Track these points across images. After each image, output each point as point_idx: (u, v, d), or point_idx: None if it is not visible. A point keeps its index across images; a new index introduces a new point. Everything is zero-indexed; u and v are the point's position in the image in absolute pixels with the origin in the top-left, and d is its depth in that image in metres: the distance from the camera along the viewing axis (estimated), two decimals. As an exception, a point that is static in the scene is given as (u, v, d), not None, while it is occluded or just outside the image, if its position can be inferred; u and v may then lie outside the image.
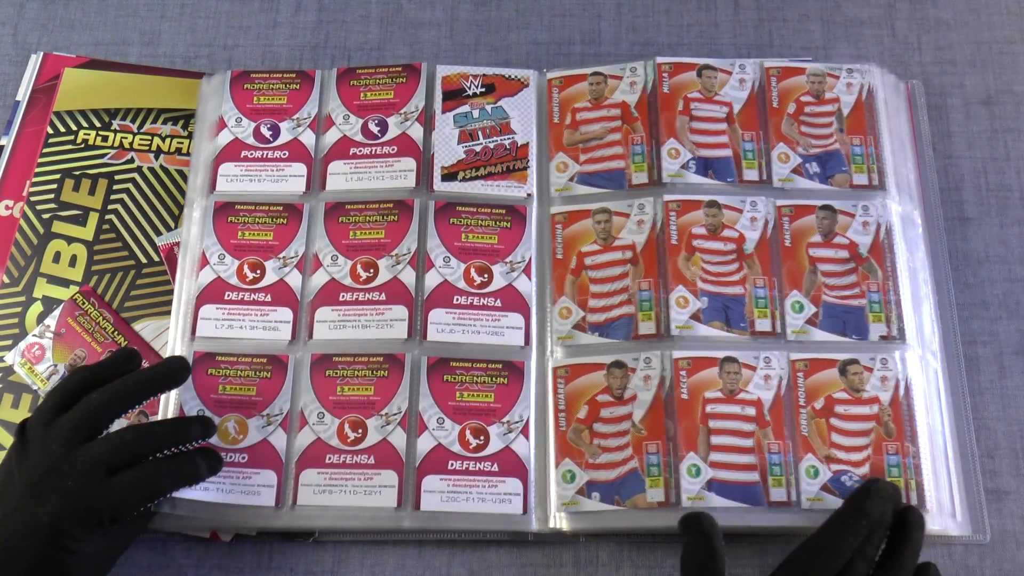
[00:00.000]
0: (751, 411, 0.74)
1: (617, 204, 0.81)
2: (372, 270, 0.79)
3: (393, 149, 0.83)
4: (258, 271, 0.79)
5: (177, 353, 0.78)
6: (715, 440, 0.73)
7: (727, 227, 0.79)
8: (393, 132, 0.84)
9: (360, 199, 0.82)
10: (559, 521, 0.73)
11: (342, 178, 0.82)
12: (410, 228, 0.80)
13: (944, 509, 0.73)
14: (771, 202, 0.80)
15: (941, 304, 0.80)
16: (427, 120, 0.84)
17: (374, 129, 0.84)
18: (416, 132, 0.84)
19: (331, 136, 0.84)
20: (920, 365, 0.76)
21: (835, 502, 0.71)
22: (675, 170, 0.81)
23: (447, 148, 0.83)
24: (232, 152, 0.83)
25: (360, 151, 0.83)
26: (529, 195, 0.82)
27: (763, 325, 0.77)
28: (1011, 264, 0.83)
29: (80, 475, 0.63)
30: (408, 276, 0.79)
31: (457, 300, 0.78)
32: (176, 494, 0.70)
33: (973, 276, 0.82)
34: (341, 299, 0.78)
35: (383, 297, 0.78)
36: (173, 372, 0.70)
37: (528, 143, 0.84)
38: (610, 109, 0.84)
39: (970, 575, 0.74)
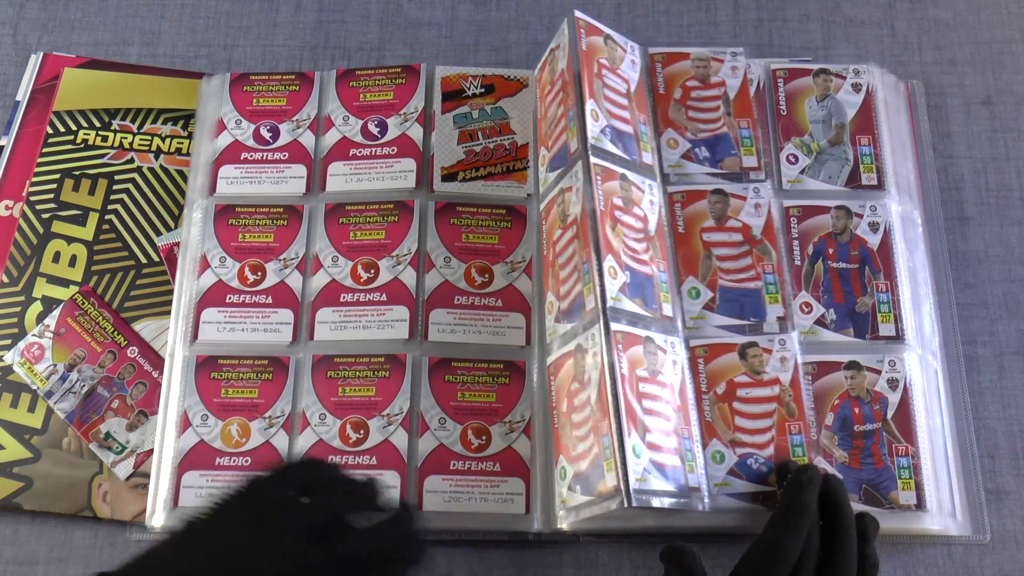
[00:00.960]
0: (668, 394, 0.72)
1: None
2: (373, 271, 0.79)
3: (393, 150, 0.83)
4: (259, 273, 0.79)
5: (178, 352, 0.78)
6: (647, 421, 0.69)
7: (636, 204, 0.77)
8: (393, 133, 0.84)
9: (360, 200, 0.82)
10: (561, 520, 0.73)
11: (342, 179, 0.82)
12: (410, 228, 0.80)
13: (944, 509, 0.73)
14: (661, 188, 0.80)
15: (941, 304, 0.80)
16: (427, 121, 0.84)
17: (374, 130, 0.84)
18: (416, 133, 0.84)
19: (331, 137, 0.84)
20: (920, 365, 0.76)
21: (744, 486, 0.71)
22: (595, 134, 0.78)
23: (447, 148, 0.83)
24: (232, 154, 0.83)
25: (360, 152, 0.83)
26: (529, 195, 0.82)
27: (667, 310, 0.75)
28: (1011, 264, 0.83)
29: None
30: (409, 276, 0.79)
31: (458, 300, 0.78)
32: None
33: (973, 276, 0.82)
34: (342, 300, 0.78)
35: (384, 298, 0.78)
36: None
37: (528, 143, 0.83)
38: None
39: (970, 575, 0.74)
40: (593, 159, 0.74)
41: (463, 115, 0.84)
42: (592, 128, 0.75)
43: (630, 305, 0.71)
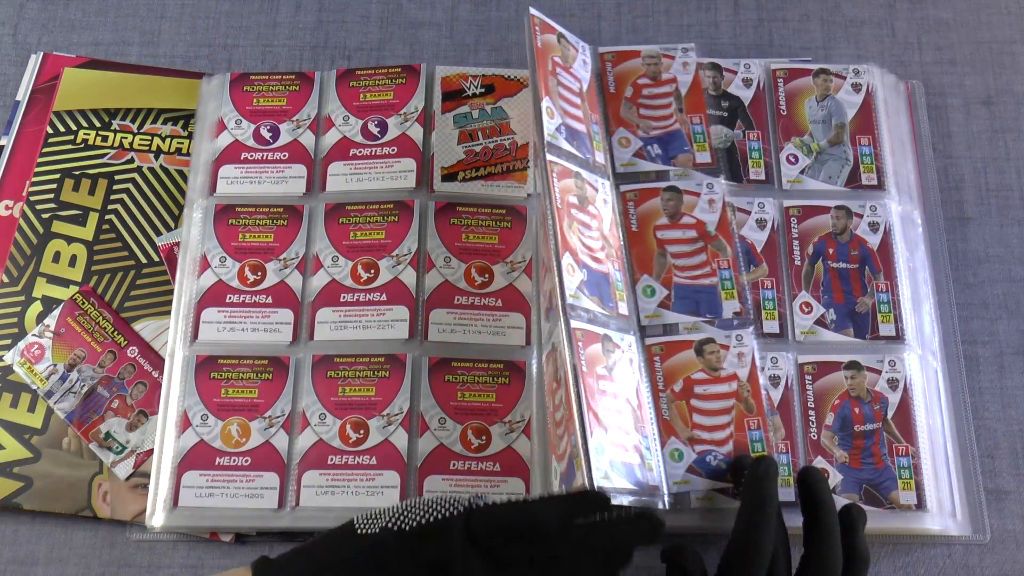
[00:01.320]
0: (627, 391, 0.72)
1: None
2: (373, 271, 0.79)
3: (393, 150, 0.83)
4: (259, 273, 0.79)
5: (178, 352, 0.78)
6: (606, 419, 0.68)
7: (591, 203, 0.77)
8: (393, 133, 0.84)
9: (360, 200, 0.82)
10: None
11: (342, 179, 0.82)
12: (410, 228, 0.80)
13: (944, 509, 0.73)
14: (611, 186, 0.80)
15: (941, 304, 0.80)
16: (427, 120, 0.84)
17: (374, 130, 0.84)
18: (416, 133, 0.84)
19: (331, 137, 0.84)
20: (920, 365, 0.76)
21: (701, 483, 0.71)
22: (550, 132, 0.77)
23: (447, 148, 0.83)
24: (232, 154, 0.83)
25: (360, 152, 0.83)
26: (529, 195, 0.82)
27: (623, 308, 0.75)
28: (1011, 264, 0.83)
29: None
30: (409, 276, 0.79)
31: (458, 300, 0.78)
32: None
33: (973, 276, 0.82)
34: (342, 300, 0.78)
35: (384, 297, 0.78)
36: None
37: (528, 143, 0.83)
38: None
39: (970, 575, 0.74)
40: (548, 156, 0.73)
41: (463, 115, 0.84)
42: (548, 125, 0.74)
43: (587, 303, 0.71)
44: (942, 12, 0.91)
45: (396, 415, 0.75)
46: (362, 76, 0.86)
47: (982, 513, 0.75)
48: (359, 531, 0.61)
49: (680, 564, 0.66)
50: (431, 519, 0.60)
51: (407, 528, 0.60)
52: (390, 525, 0.60)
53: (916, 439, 0.74)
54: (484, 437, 0.75)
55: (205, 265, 0.80)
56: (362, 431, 0.75)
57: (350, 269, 0.79)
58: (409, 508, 0.61)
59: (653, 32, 0.91)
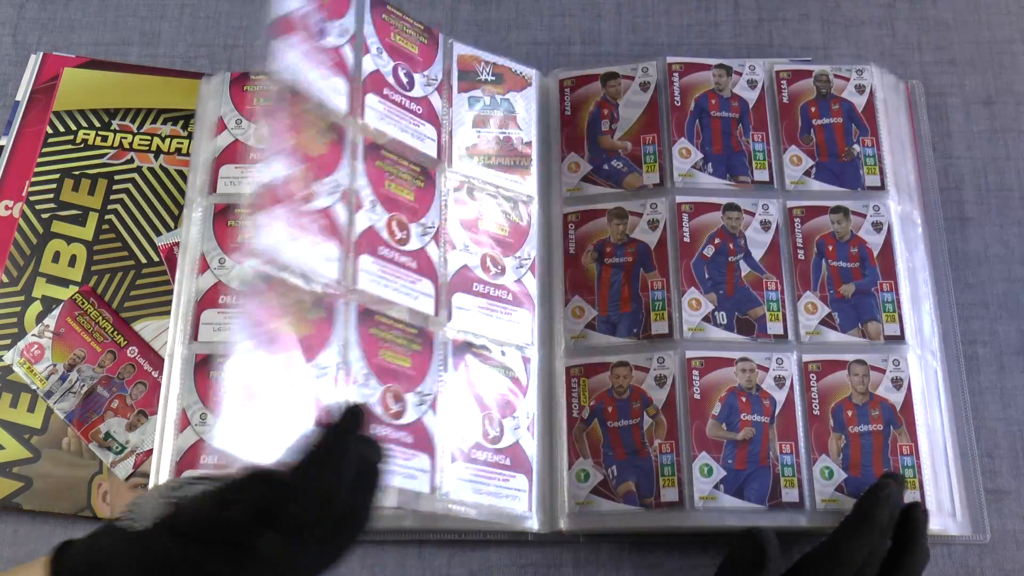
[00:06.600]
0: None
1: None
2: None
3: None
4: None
5: (177, 352, 0.77)
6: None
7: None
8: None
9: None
10: (571, 522, 0.73)
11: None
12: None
13: (944, 509, 0.73)
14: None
15: (941, 304, 0.80)
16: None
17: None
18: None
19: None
20: (920, 365, 0.76)
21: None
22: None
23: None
24: (233, 154, 0.83)
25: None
26: (529, 196, 0.82)
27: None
28: (1011, 264, 0.83)
29: None
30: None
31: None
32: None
33: (973, 276, 0.82)
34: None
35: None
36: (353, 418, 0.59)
37: (531, 141, 0.83)
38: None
39: (970, 575, 0.74)
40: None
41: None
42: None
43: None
44: (942, 12, 0.91)
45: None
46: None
47: (982, 513, 0.75)
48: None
49: (762, 546, 0.65)
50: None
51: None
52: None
53: (917, 439, 0.73)
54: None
55: (204, 266, 0.79)
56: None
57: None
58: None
59: (653, 32, 0.91)
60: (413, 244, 0.75)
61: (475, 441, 0.73)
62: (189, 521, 0.52)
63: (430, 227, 0.77)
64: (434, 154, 0.79)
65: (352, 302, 0.71)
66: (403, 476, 0.69)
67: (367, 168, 0.74)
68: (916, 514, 0.67)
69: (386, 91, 0.78)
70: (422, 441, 0.71)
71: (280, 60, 0.69)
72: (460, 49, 0.85)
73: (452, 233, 0.78)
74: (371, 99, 0.76)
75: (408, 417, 0.71)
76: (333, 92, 0.73)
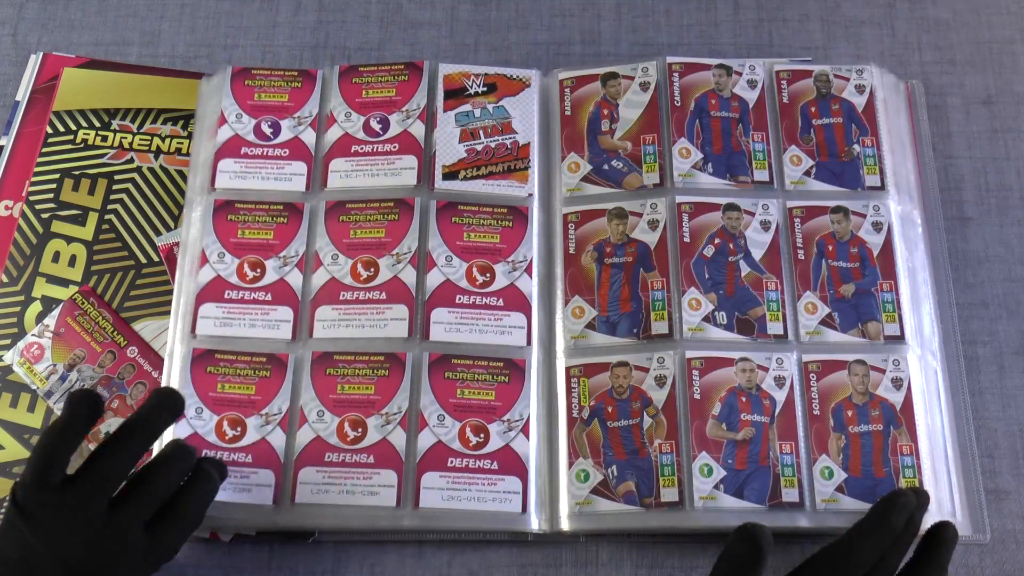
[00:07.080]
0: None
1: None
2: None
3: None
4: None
5: (177, 350, 0.77)
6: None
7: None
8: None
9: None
10: (571, 522, 0.73)
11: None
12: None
13: (944, 509, 0.73)
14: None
15: (941, 304, 0.80)
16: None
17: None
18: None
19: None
20: (920, 365, 0.76)
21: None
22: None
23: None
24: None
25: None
26: (530, 195, 0.82)
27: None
28: (1011, 264, 0.83)
29: (132, 544, 0.64)
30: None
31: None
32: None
33: (973, 276, 0.82)
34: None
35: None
36: (168, 404, 0.68)
37: (529, 143, 0.84)
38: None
39: (970, 575, 0.74)
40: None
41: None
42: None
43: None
44: (942, 12, 0.91)
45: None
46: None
47: (982, 513, 0.75)
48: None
49: (757, 541, 0.64)
50: None
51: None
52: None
53: (917, 439, 0.73)
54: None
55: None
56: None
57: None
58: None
59: (653, 32, 0.91)
60: (384, 276, 0.79)
61: (455, 449, 0.74)
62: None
63: (404, 253, 0.79)
64: (414, 182, 0.82)
65: (424, 353, 0.77)
66: (494, 500, 0.73)
67: (328, 227, 0.81)
68: (947, 535, 0.67)
69: (355, 148, 0.83)
70: (511, 465, 0.74)
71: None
72: (447, 69, 0.86)
73: (434, 252, 0.80)
74: (336, 163, 0.83)
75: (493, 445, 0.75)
76: (293, 178, 0.83)
